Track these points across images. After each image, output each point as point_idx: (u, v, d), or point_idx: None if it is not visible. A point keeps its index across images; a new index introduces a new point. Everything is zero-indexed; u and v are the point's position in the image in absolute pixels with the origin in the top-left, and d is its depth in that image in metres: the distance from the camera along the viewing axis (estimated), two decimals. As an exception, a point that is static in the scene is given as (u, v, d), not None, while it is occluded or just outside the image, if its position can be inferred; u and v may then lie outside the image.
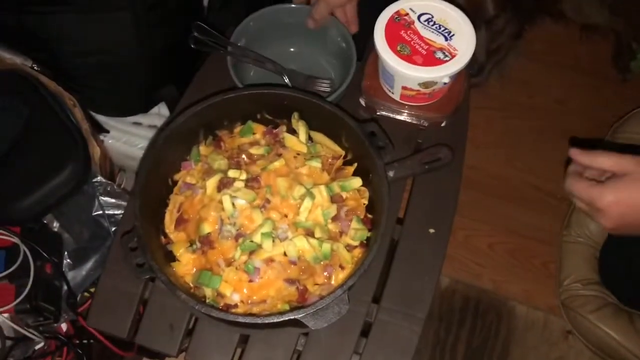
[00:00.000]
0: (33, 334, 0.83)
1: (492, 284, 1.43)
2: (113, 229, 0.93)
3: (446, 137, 0.85)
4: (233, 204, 0.72)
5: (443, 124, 0.89)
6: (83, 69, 1.01)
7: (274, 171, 0.76)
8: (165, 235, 0.76)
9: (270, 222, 0.72)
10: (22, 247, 0.83)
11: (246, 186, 0.74)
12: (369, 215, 0.77)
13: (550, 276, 1.40)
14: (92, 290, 0.93)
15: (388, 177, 0.76)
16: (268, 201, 0.74)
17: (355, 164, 0.80)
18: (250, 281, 0.70)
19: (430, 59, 0.77)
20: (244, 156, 0.78)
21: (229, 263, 0.71)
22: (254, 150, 0.78)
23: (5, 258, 0.82)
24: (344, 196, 0.77)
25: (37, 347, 0.87)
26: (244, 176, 0.75)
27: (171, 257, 0.74)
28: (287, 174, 0.76)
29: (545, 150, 1.53)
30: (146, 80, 1.05)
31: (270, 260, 0.71)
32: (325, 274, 0.72)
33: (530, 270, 1.44)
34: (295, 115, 0.80)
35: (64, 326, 0.91)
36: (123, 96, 1.06)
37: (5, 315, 0.80)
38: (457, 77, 0.83)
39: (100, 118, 1.10)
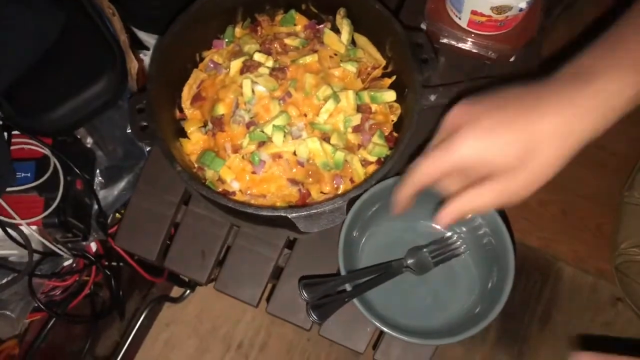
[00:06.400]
0: (61, 250, 0.80)
1: (539, 242, 1.36)
2: (147, 149, 0.86)
3: (513, 74, 0.76)
4: (253, 90, 0.70)
5: (512, 59, 0.80)
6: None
7: (304, 66, 0.72)
8: (181, 110, 0.74)
9: (286, 115, 0.68)
10: (53, 159, 0.78)
11: (271, 75, 0.71)
12: (395, 134, 0.73)
13: (604, 239, 1.31)
14: (124, 211, 0.87)
15: (429, 100, 0.71)
16: (289, 95, 0.70)
17: (394, 77, 0.74)
18: (254, 173, 0.68)
19: (506, -21, 0.68)
20: (277, 45, 0.74)
21: (235, 150, 0.69)
22: (289, 41, 0.74)
23: (36, 169, 0.78)
24: (373, 108, 0.73)
25: (66, 264, 0.85)
26: (270, 63, 0.71)
27: (183, 135, 0.73)
28: (318, 71, 0.72)
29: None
30: None
31: (277, 156, 0.68)
32: (335, 184, 0.69)
33: (582, 231, 1.35)
34: (341, 11, 0.75)
35: (93, 246, 0.89)
36: (164, 10, 0.97)
37: (33, 227, 0.76)
38: (533, 5, 0.74)
39: (142, 36, 0.98)
